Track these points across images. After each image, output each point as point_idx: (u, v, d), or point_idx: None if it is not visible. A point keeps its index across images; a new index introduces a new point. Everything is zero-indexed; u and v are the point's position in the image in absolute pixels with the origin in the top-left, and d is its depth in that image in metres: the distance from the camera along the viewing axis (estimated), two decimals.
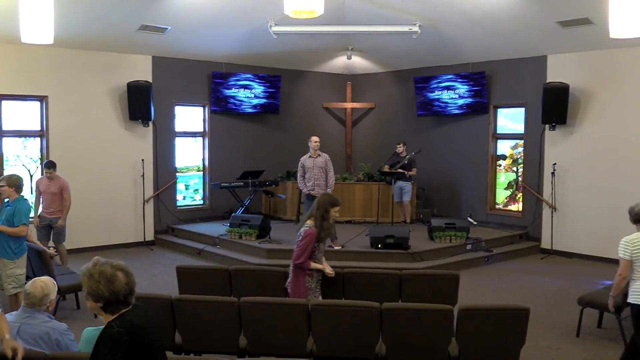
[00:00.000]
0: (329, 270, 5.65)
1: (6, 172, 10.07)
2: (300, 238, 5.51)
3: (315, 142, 9.68)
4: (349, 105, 14.41)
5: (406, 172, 11.35)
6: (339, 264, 7.17)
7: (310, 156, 9.67)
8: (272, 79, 13.26)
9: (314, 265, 5.52)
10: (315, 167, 9.54)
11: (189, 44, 11.48)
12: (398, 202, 11.58)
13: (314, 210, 5.52)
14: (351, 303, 5.09)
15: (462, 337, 4.75)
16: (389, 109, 14.14)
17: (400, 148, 11.64)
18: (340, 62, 13.85)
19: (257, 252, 9.91)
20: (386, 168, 11.74)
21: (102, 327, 3.69)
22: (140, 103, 11.27)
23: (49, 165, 8.99)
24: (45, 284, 4.07)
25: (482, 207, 12.35)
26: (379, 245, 9.61)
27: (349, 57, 13.24)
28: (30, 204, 7.86)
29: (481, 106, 12.20)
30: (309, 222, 5.52)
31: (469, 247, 10.32)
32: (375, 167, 12.58)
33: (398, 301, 5.76)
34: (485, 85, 12.05)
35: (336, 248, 9.62)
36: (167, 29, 10.60)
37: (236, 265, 7.88)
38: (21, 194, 6.53)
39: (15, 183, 6.46)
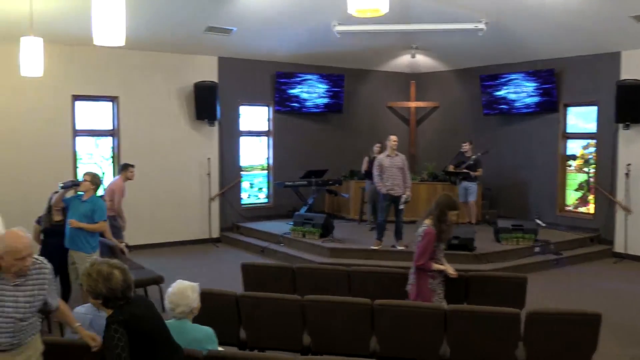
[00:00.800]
0: (451, 271, 5.42)
1: (80, 171, 10.50)
2: (419, 239, 5.36)
3: (394, 141, 9.54)
4: (413, 104, 14.28)
5: (471, 173, 11.15)
6: (402, 265, 7.12)
7: (388, 155, 9.51)
8: (336, 78, 13.28)
9: (435, 266, 5.35)
10: (393, 167, 9.40)
11: (253, 45, 11.64)
12: (463, 202, 11.37)
13: (432, 209, 5.37)
14: (415, 304, 5.04)
15: (530, 342, 4.62)
16: (454, 108, 13.92)
17: (466, 146, 11.43)
18: (404, 61, 13.74)
19: (320, 251, 9.96)
20: (451, 168, 11.56)
21: (172, 320, 3.82)
22: (206, 103, 11.51)
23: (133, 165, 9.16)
24: None
25: (551, 209, 11.99)
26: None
27: (413, 56, 13.12)
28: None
29: (550, 105, 11.84)
30: (427, 222, 5.35)
31: (537, 249, 10.04)
32: (439, 167, 12.41)
33: (463, 303, 5.65)
34: (555, 83, 11.68)
35: (400, 248, 9.53)
36: (232, 30, 10.78)
37: (299, 263, 7.94)
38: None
39: (97, 182, 6.85)
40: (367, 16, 5.66)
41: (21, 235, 3.34)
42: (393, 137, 9.60)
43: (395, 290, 5.74)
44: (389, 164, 9.38)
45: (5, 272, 3.33)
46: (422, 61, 13.67)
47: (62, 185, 6.73)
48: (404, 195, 9.31)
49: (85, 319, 4.09)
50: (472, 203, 11.34)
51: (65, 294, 7.11)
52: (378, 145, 11.28)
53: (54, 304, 3.60)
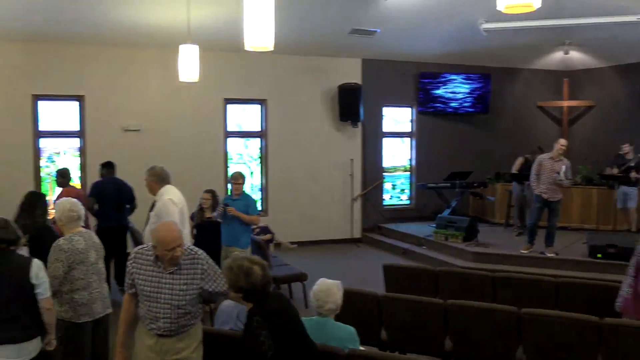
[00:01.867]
0: None
1: (230, 169, 11.08)
2: None
3: (562, 145, 9.01)
4: (566, 103, 13.47)
5: (631, 176, 10.30)
6: (553, 273, 6.78)
7: (551, 157, 9.03)
8: (482, 77, 12.90)
9: None
10: (553, 171, 8.95)
11: (397, 46, 11.60)
12: (621, 208, 10.56)
13: None
14: (566, 315, 4.73)
15: None
16: (612, 107, 12.96)
17: (626, 148, 10.56)
18: (556, 58, 13.00)
19: (463, 255, 9.70)
20: (609, 171, 10.77)
21: (315, 317, 3.91)
22: (350, 104, 11.68)
23: None
24: None
25: None
26: (599, 255, 8.85)
27: (566, 52, 12.40)
28: None
29: None
30: None
31: None
32: (594, 170, 11.62)
33: (620, 317, 5.23)
34: None
35: (549, 255, 9.06)
36: (376, 31, 10.81)
37: (441, 266, 7.80)
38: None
39: (245, 178, 7.41)
40: (517, 12, 5.40)
41: (171, 229, 3.59)
42: (562, 141, 9.10)
43: (544, 300, 5.46)
44: (549, 167, 8.91)
45: (161, 260, 3.58)
46: (576, 58, 12.87)
47: (217, 218, 7.19)
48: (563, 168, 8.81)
49: (232, 312, 4.29)
50: (632, 209, 10.48)
51: None
52: (539, 153, 10.69)
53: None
